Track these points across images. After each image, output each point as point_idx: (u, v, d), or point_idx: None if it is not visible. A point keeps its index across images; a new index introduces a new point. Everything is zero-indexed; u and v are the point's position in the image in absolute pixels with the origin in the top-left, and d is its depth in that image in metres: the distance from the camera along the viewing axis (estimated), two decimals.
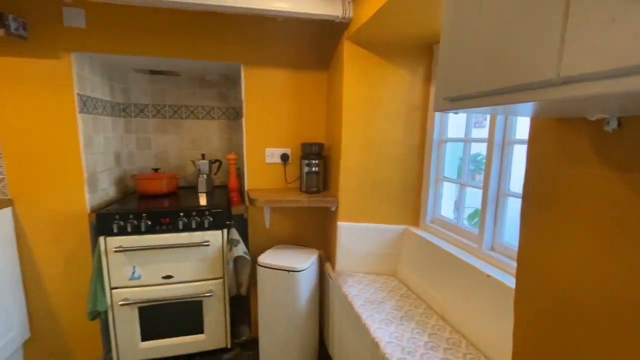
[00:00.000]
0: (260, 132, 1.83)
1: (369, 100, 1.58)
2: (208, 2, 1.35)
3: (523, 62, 0.43)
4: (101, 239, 1.59)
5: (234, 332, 1.99)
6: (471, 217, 1.56)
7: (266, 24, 1.74)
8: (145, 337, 1.72)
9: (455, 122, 1.50)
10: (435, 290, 1.34)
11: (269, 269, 1.63)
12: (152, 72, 2.09)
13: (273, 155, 1.86)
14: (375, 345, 1.13)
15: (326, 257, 1.89)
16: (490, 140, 1.18)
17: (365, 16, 1.30)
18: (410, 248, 1.59)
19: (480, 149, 1.38)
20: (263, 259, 1.66)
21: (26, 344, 1.73)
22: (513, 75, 0.45)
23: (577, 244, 0.64)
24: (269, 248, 1.82)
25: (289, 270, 1.59)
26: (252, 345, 1.89)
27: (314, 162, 1.75)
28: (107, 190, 1.90)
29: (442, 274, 1.32)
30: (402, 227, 1.65)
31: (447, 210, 1.58)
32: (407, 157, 1.62)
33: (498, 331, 1.01)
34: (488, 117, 1.24)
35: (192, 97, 2.23)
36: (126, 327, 1.68)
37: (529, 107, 0.54)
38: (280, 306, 1.64)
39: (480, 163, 1.35)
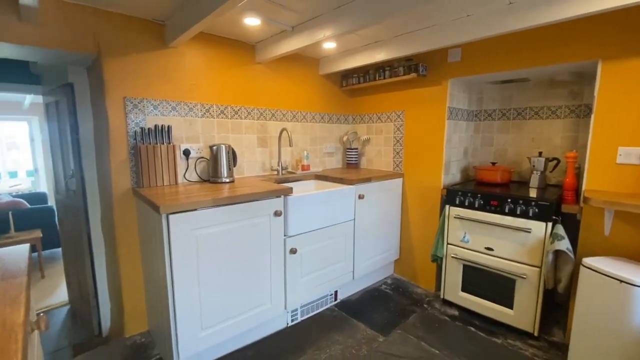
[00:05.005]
0: (612, 129, 1.68)
1: None
2: (591, 10, 1.47)
3: None
4: (447, 207, 2.27)
5: (544, 328, 2.02)
6: None
7: (631, 11, 1.55)
8: (464, 288, 2.24)
9: None
10: None
11: (597, 274, 1.54)
12: (503, 82, 2.47)
13: (629, 155, 1.64)
14: None
15: None
16: None
17: None
18: None
19: None
20: (592, 261, 1.59)
21: (395, 262, 2.85)
22: None
23: None
24: (602, 256, 1.67)
25: (622, 281, 1.43)
26: (561, 349, 1.85)
27: None
28: (454, 175, 2.58)
29: None
30: None
31: None
32: None
33: None
34: None
35: (538, 99, 2.37)
36: (453, 275, 2.29)
37: None
38: (603, 322, 1.50)
39: None
